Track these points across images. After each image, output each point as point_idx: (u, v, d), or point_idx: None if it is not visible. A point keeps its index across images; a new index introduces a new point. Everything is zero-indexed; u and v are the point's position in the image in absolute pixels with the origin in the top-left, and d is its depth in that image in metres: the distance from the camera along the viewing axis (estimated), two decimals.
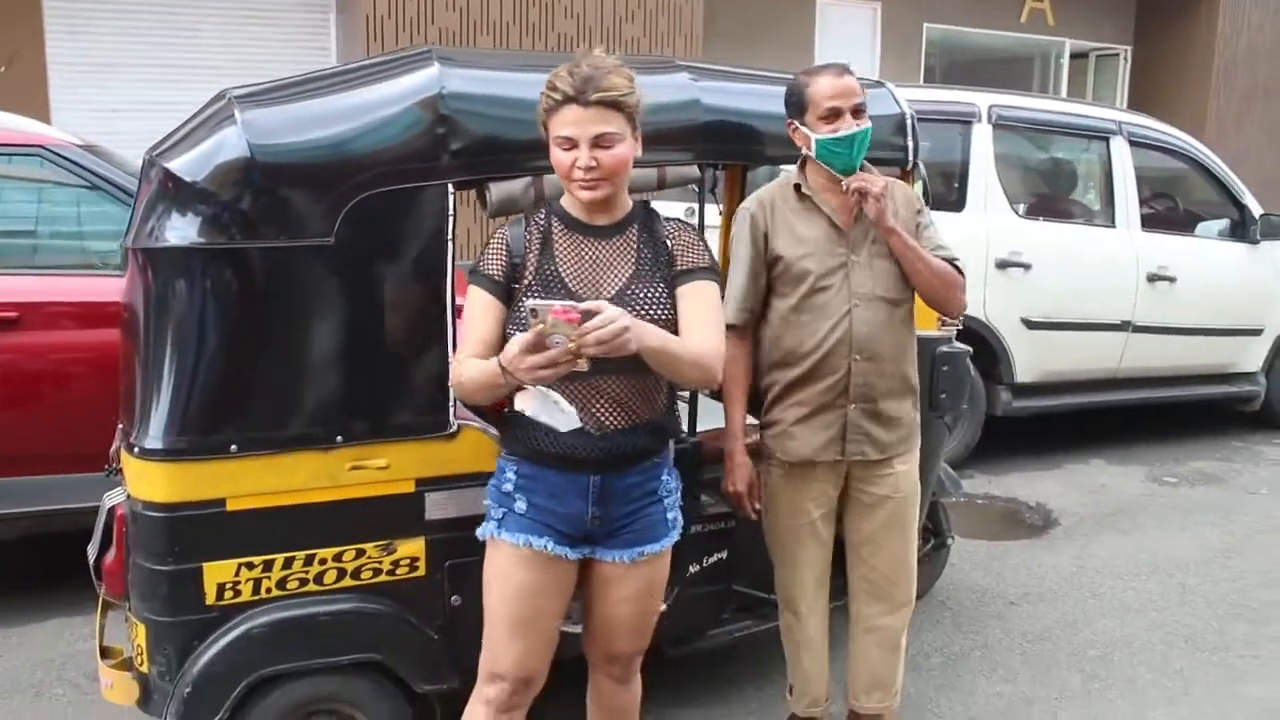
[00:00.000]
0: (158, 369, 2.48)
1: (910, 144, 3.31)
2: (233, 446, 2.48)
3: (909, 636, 3.08)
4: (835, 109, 2.67)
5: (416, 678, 2.69)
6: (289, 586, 2.57)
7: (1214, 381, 6.80)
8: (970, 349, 3.44)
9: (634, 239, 2.31)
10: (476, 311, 2.26)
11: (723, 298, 2.44)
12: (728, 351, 2.73)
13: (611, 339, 1.96)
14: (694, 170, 3.06)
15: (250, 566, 2.52)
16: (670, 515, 2.39)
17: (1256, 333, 6.80)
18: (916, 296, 2.87)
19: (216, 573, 2.50)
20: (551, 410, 2.11)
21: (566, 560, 2.30)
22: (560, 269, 2.26)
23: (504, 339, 2.22)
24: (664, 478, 2.38)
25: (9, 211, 4.21)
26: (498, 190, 2.75)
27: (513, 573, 2.28)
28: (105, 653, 2.76)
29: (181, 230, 2.46)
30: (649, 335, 2.09)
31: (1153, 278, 6.23)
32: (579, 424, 2.14)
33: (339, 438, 2.56)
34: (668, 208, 6.53)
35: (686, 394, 2.98)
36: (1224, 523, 5.34)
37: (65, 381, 3.92)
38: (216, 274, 2.46)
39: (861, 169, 2.76)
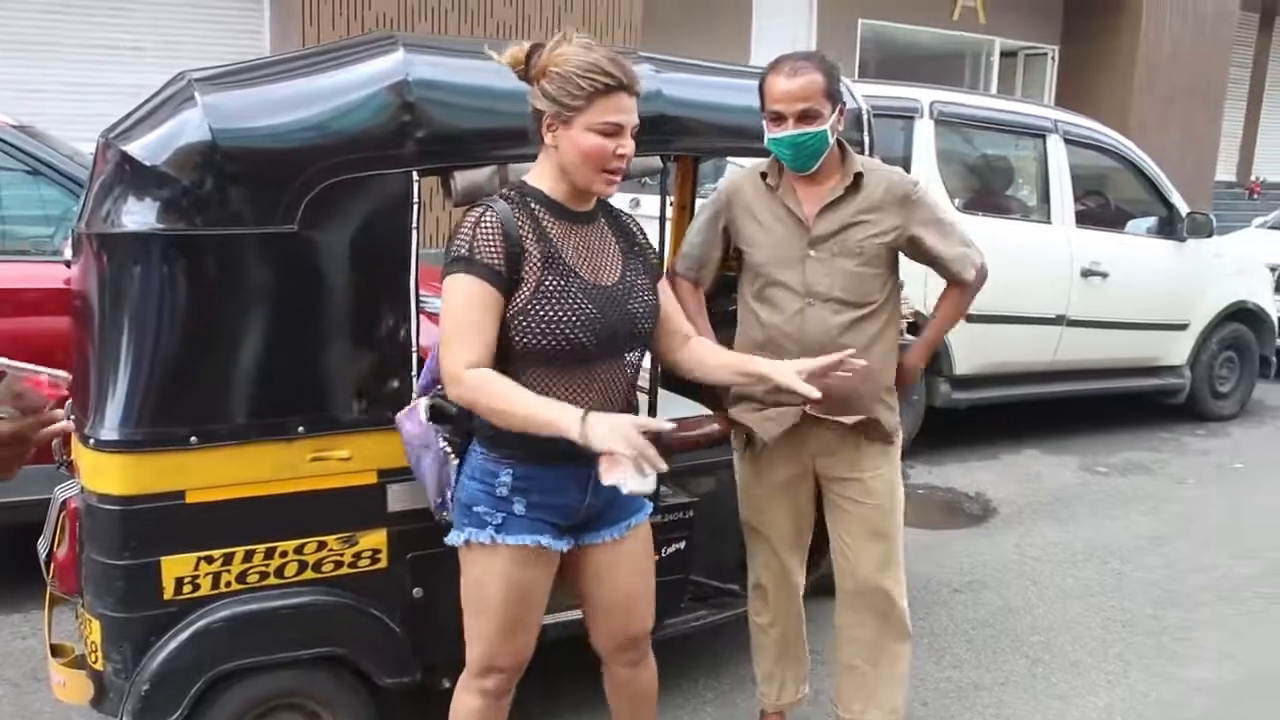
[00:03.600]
0: (113, 358, 2.41)
1: (867, 139, 3.35)
2: (192, 438, 2.42)
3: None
4: (777, 113, 2.61)
5: (379, 671, 2.66)
6: (249, 580, 2.52)
7: (1143, 374, 7.00)
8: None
9: (605, 226, 2.32)
10: (476, 308, 2.10)
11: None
12: (679, 292, 2.81)
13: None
14: (656, 161, 3.06)
15: (210, 560, 2.47)
16: None
17: (1183, 327, 7.01)
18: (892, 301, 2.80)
19: (175, 567, 2.44)
20: (639, 478, 2.00)
21: (558, 553, 2.31)
22: (564, 255, 2.20)
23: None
24: None
25: None
26: (462, 179, 2.73)
27: (514, 573, 2.25)
28: (56, 650, 2.68)
29: (139, 215, 2.39)
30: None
31: (1086, 273, 6.39)
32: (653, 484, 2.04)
33: (300, 428, 2.52)
34: (614, 200, 6.51)
35: (645, 384, 2.98)
36: (1154, 511, 5.51)
37: None
38: (175, 261, 2.40)
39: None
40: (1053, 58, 14.48)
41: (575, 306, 2.15)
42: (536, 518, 2.25)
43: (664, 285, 2.43)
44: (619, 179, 2.19)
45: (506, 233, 2.13)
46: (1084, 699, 3.56)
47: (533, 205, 2.21)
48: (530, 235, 2.17)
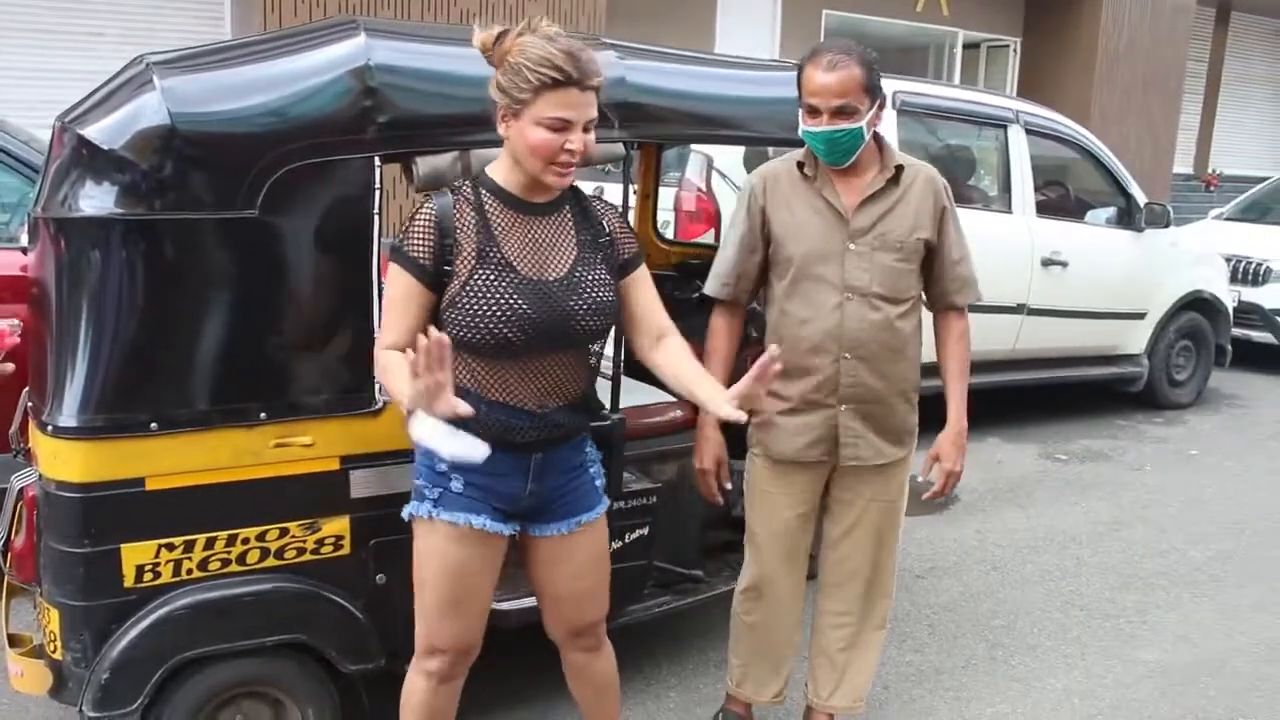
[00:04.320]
0: (71, 344, 2.38)
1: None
2: (152, 424, 2.40)
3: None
4: (812, 106, 2.54)
5: (342, 658, 2.65)
6: (211, 567, 2.50)
7: (1101, 363, 7.09)
8: None
9: (569, 217, 2.27)
10: (398, 298, 2.16)
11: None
12: (711, 322, 2.81)
13: None
14: (619, 148, 3.06)
15: (171, 547, 2.45)
16: (598, 482, 2.42)
17: (1140, 316, 7.11)
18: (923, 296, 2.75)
19: (135, 554, 2.42)
20: (454, 441, 1.97)
21: (500, 537, 2.30)
22: (504, 250, 2.17)
23: (422, 329, 2.13)
24: (588, 449, 2.41)
25: None
26: (425, 164, 2.72)
27: (450, 551, 2.26)
28: (13, 641, 2.65)
29: (97, 200, 2.37)
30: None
31: (1046, 262, 6.45)
32: (485, 451, 2.03)
33: (262, 414, 2.50)
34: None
35: (609, 370, 2.99)
36: (1112, 497, 5.59)
37: None
38: (134, 245, 2.37)
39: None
40: (1014, 49, 14.58)
41: (501, 301, 2.12)
42: (475, 497, 2.24)
43: (641, 278, 2.35)
44: (570, 173, 2.14)
45: (441, 228, 2.15)
46: (1043, 681, 3.62)
47: (483, 196, 2.19)
48: (469, 229, 2.16)
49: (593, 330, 2.23)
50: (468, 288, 2.13)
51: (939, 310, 2.82)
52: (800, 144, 2.70)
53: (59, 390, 2.39)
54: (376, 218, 2.57)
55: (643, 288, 2.35)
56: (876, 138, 2.66)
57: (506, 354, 2.16)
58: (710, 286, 2.80)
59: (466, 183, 2.24)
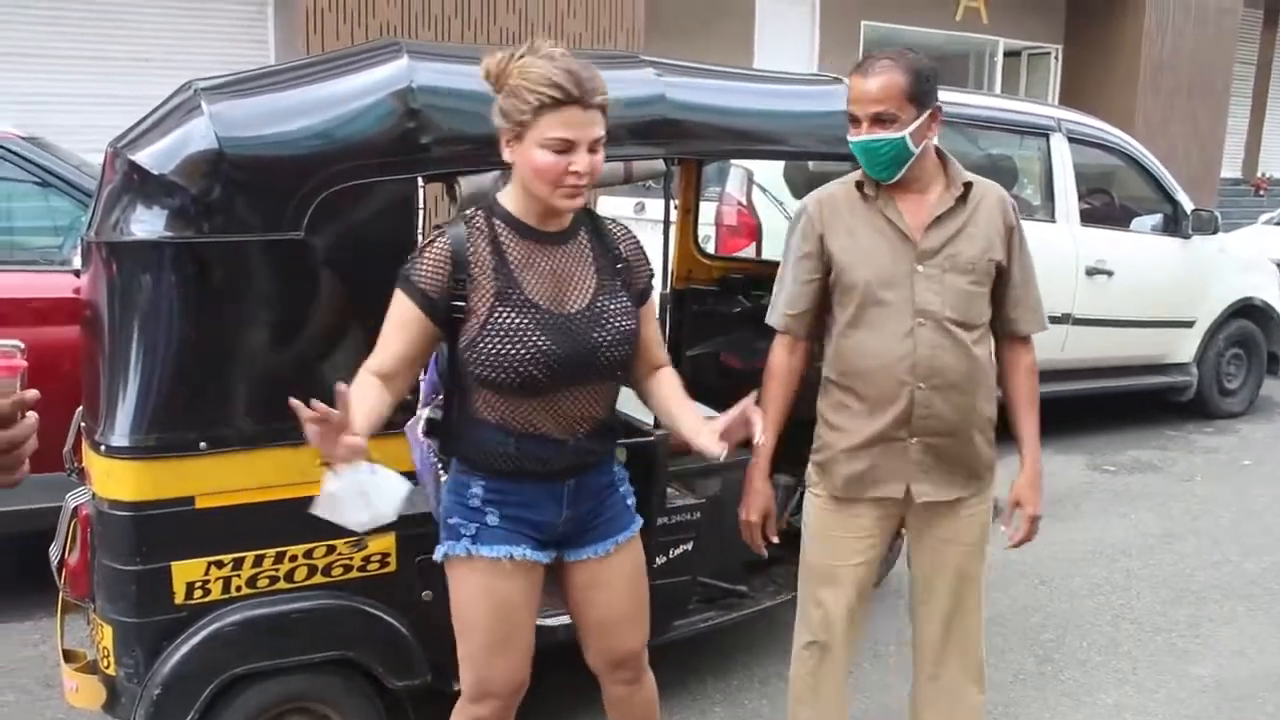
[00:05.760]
0: (123, 365, 2.43)
1: None
2: (201, 444, 2.45)
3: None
4: (852, 115, 2.41)
5: (389, 674, 2.67)
6: (259, 584, 2.54)
7: (1149, 372, 7.00)
8: None
9: (586, 245, 2.20)
10: (396, 321, 2.09)
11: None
12: (771, 360, 2.62)
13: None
14: (660, 165, 3.08)
15: (220, 565, 2.49)
16: (629, 501, 2.37)
17: (1189, 324, 7.01)
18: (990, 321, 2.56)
19: (185, 571, 2.46)
20: (357, 503, 1.90)
21: (540, 566, 2.26)
22: (524, 286, 2.11)
23: (420, 360, 2.16)
24: (616, 468, 2.37)
25: None
26: (468, 184, 2.75)
27: (496, 586, 2.20)
28: (68, 656, 2.70)
29: (148, 223, 2.42)
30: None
31: (1091, 271, 6.39)
32: (397, 504, 1.96)
33: None
34: (618, 203, 6.53)
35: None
36: (1162, 509, 5.51)
37: None
38: (184, 268, 2.43)
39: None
40: (1056, 57, 14.48)
41: (527, 341, 2.07)
42: (512, 529, 2.20)
43: (649, 311, 2.30)
44: (580, 195, 2.08)
45: (455, 260, 2.08)
46: (1093, 696, 3.56)
47: (497, 227, 2.13)
48: (485, 263, 2.10)
49: (617, 360, 2.18)
50: (489, 328, 2.07)
51: (1003, 338, 2.64)
52: (838, 157, 2.66)
53: (111, 410, 2.44)
54: (420, 238, 2.60)
55: (649, 320, 2.30)
56: (939, 152, 2.52)
57: (529, 391, 2.11)
58: (771, 317, 2.64)
59: (479, 212, 2.16)
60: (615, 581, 2.33)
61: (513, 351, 2.06)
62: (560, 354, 2.09)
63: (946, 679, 2.70)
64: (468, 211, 2.18)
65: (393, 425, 2.54)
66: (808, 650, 2.68)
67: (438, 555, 2.26)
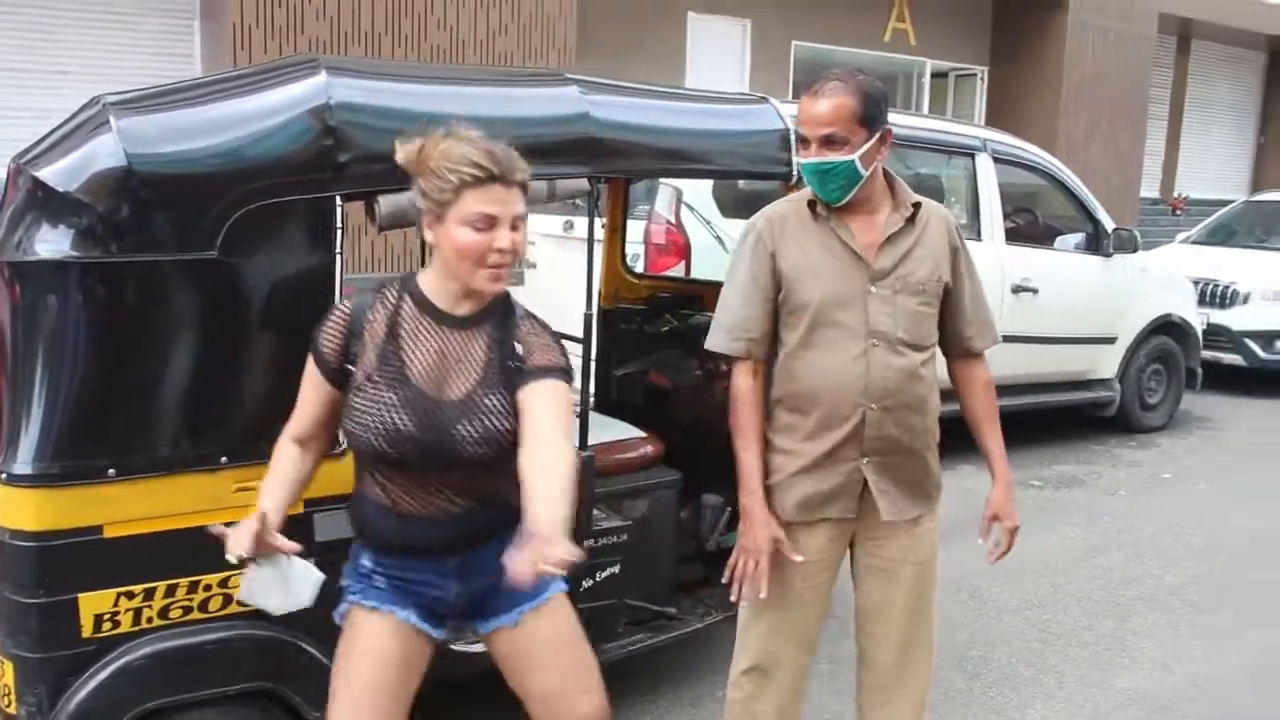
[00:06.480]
0: (27, 390, 2.34)
1: (793, 158, 3.37)
2: (110, 470, 2.36)
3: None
4: (802, 137, 2.41)
5: (309, 705, 2.59)
6: (172, 615, 2.45)
7: (1074, 388, 7.13)
8: None
9: (486, 337, 2.14)
10: (307, 382, 2.18)
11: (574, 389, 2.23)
12: (734, 389, 2.52)
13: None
14: (584, 183, 3.05)
15: (130, 596, 2.40)
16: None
17: (1111, 341, 7.16)
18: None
19: (93, 603, 2.37)
20: (277, 589, 2.08)
21: (429, 638, 2.21)
22: (406, 359, 2.10)
23: (333, 421, 2.19)
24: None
25: None
26: (386, 203, 2.69)
27: (374, 641, 2.16)
28: None
29: (53, 242, 2.33)
30: (563, 517, 1.87)
31: (1017, 289, 6.49)
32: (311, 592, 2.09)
33: (224, 459, 2.47)
34: (547, 221, 6.46)
35: (577, 407, 2.96)
36: (1087, 523, 5.60)
37: None
38: (91, 289, 2.34)
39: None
40: (982, 78, 14.79)
41: (384, 415, 2.06)
42: (399, 593, 2.17)
43: (547, 390, 2.09)
44: (503, 276, 2.07)
45: (351, 329, 2.13)
46: (1021, 712, 3.59)
47: (404, 303, 2.14)
48: (378, 335, 2.11)
49: (478, 457, 2.08)
50: (358, 394, 2.09)
51: (956, 357, 2.63)
52: (766, 176, 2.66)
53: (13, 436, 2.34)
54: (339, 258, 2.54)
55: (545, 400, 2.08)
56: (887, 174, 2.51)
57: (389, 464, 2.10)
58: (716, 341, 2.53)
59: (393, 286, 2.17)
60: (536, 650, 2.22)
61: (370, 423, 2.07)
62: (416, 436, 2.06)
63: (897, 707, 2.67)
64: (384, 285, 2.18)
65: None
66: (746, 676, 2.63)
67: (336, 617, 2.24)
